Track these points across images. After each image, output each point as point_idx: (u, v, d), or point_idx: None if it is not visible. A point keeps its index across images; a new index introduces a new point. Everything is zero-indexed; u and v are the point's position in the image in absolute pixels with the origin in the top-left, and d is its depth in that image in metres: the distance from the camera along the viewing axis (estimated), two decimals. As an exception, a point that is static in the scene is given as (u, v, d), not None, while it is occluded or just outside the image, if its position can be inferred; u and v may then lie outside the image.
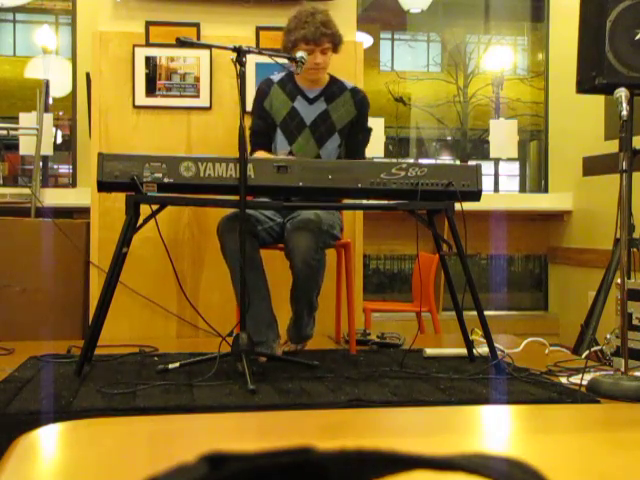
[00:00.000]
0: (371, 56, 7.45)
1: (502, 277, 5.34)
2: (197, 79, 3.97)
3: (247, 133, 2.81)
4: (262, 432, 0.95)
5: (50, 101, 4.89)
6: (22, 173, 5.44)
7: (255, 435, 0.94)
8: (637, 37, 3.47)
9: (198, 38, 3.94)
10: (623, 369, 2.61)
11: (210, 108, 3.99)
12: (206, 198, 3.02)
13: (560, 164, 5.28)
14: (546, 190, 5.41)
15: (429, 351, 3.24)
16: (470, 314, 3.02)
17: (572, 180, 5.06)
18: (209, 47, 3.81)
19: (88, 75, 4.09)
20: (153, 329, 3.87)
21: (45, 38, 4.84)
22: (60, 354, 3.16)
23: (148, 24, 3.96)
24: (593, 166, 4.78)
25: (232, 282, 3.07)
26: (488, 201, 4.28)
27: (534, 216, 5.24)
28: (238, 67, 2.75)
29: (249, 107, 3.54)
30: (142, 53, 3.94)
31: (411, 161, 3.12)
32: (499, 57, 6.13)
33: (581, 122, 4.90)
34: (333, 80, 3.39)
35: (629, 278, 3.35)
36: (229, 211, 3.10)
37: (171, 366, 2.81)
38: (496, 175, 5.94)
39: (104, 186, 2.80)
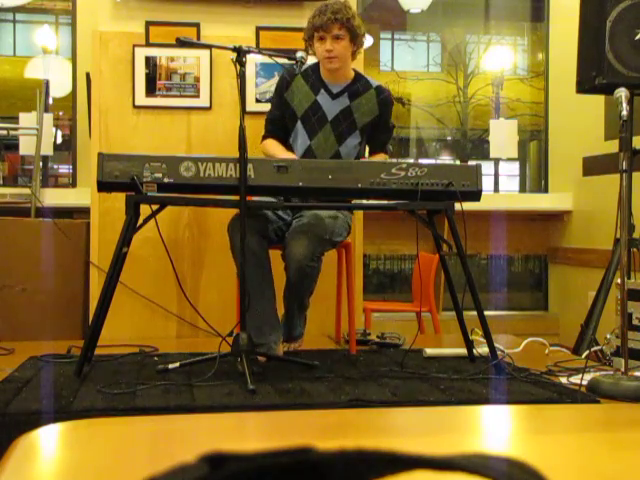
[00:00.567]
0: (371, 56, 7.45)
1: (502, 277, 5.34)
2: (197, 79, 3.97)
3: (247, 133, 2.79)
4: (262, 432, 0.95)
5: (50, 101, 4.89)
6: (22, 173, 5.43)
7: (255, 435, 0.94)
8: (637, 37, 3.47)
9: (198, 38, 3.94)
10: (623, 369, 2.61)
11: (210, 108, 3.99)
12: (206, 198, 3.02)
13: (560, 164, 5.28)
14: (546, 190, 5.41)
15: (429, 351, 3.24)
16: (470, 314, 3.02)
17: (572, 180, 5.06)
18: (209, 47, 3.81)
19: (88, 75, 4.09)
20: (153, 329, 3.87)
21: (45, 38, 4.84)
22: (60, 354, 3.16)
23: (148, 24, 3.96)
24: (593, 166, 4.78)
25: (238, 281, 3.03)
26: (488, 201, 4.27)
27: (534, 216, 5.23)
28: (238, 67, 2.75)
29: (249, 107, 3.54)
30: (142, 53, 3.94)
31: (411, 161, 3.12)
32: (499, 57, 6.13)
33: (581, 122, 4.90)
34: (358, 77, 3.36)
35: (629, 278, 3.35)
36: (230, 211, 3.10)
37: (171, 366, 2.81)
38: (496, 175, 5.94)
39: (104, 186, 2.80)
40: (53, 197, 4.45)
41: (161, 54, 3.95)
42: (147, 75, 3.94)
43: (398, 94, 7.64)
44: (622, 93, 2.70)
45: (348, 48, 3.22)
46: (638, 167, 3.59)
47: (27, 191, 4.28)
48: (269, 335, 3.05)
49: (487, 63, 7.20)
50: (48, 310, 3.89)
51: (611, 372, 2.78)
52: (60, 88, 5.12)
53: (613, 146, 3.95)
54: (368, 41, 5.98)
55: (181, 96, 3.97)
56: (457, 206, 2.92)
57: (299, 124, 3.30)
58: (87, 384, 2.64)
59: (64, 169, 5.89)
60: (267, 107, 3.53)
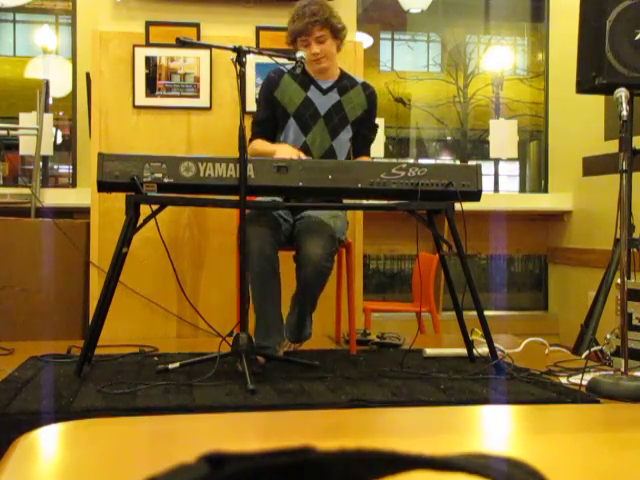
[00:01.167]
0: (371, 56, 7.44)
1: (502, 277, 5.34)
2: (197, 79, 3.97)
3: (247, 133, 2.80)
4: (262, 432, 0.95)
5: (50, 101, 4.89)
6: (22, 173, 5.43)
7: (255, 435, 0.94)
8: (637, 37, 3.47)
9: (198, 38, 3.94)
10: (623, 369, 2.61)
11: (210, 108, 3.99)
12: (206, 198, 3.02)
13: (560, 164, 5.28)
14: (546, 190, 5.41)
15: (429, 351, 3.24)
16: (470, 314, 3.02)
17: (572, 180, 5.06)
18: (209, 47, 3.81)
19: (88, 75, 4.09)
20: (153, 329, 3.87)
21: (45, 38, 4.84)
22: (60, 354, 3.16)
23: (148, 24, 3.96)
24: (593, 166, 4.78)
25: (251, 285, 2.96)
26: (488, 201, 4.27)
27: (534, 216, 5.23)
28: (238, 67, 2.75)
29: (249, 107, 3.54)
30: (142, 53, 3.94)
31: (411, 161, 3.12)
32: (499, 57, 6.13)
33: (581, 122, 4.90)
34: (344, 74, 3.40)
35: (629, 278, 3.35)
36: (229, 211, 3.10)
37: (171, 366, 2.81)
38: (496, 175, 5.94)
39: (104, 186, 2.80)
40: (53, 197, 4.45)
41: (161, 54, 3.95)
42: (147, 75, 3.94)
43: (398, 94, 7.64)
44: (622, 93, 2.70)
45: (332, 45, 3.25)
46: (638, 167, 3.59)
47: (27, 191, 4.28)
48: (275, 338, 3.04)
49: (487, 63, 7.20)
50: (48, 310, 3.89)
51: (611, 372, 2.78)
52: (60, 88, 5.12)
53: (613, 146, 3.95)
54: (368, 41, 5.99)
55: (181, 96, 3.97)
56: (457, 206, 2.92)
57: (292, 121, 3.30)
58: (87, 384, 2.64)
59: (64, 169, 5.89)
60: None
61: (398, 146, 8.14)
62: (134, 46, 3.93)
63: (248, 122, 3.29)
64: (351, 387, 2.63)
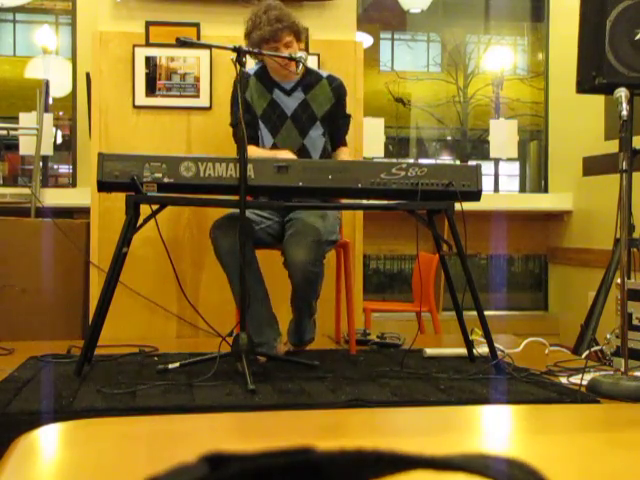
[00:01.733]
0: (371, 56, 7.44)
1: (502, 277, 5.34)
2: (197, 79, 3.97)
3: (247, 133, 2.80)
4: (262, 432, 0.95)
5: (50, 101, 4.89)
6: (22, 173, 5.44)
7: (255, 435, 0.94)
8: (637, 37, 3.47)
9: (198, 38, 3.94)
10: (623, 369, 2.61)
11: (210, 108, 3.99)
12: (206, 198, 3.02)
13: (560, 164, 5.28)
14: (546, 190, 5.41)
15: (429, 351, 3.24)
16: (470, 314, 3.02)
17: (572, 180, 5.06)
18: (209, 47, 3.81)
19: (88, 75, 4.09)
20: (153, 329, 3.87)
21: (45, 38, 4.84)
22: (60, 354, 3.16)
23: (148, 24, 3.96)
24: (593, 166, 4.78)
25: (229, 284, 3.07)
26: (488, 201, 4.28)
27: (534, 216, 5.23)
28: (238, 67, 2.75)
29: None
30: (142, 53, 3.94)
31: (411, 161, 3.12)
32: (499, 57, 6.13)
33: (581, 122, 4.90)
34: (308, 71, 3.36)
35: (629, 278, 3.35)
36: (229, 212, 3.10)
37: (171, 366, 2.81)
38: (496, 175, 5.94)
39: (104, 186, 2.80)
40: (53, 197, 4.45)
41: (161, 54, 3.95)
42: (147, 75, 3.94)
43: (398, 94, 7.64)
44: (622, 93, 2.70)
45: (297, 48, 3.24)
46: (638, 167, 3.59)
47: (27, 191, 4.28)
48: (268, 334, 3.07)
49: (487, 63, 7.20)
50: (48, 310, 3.89)
51: (611, 372, 2.78)
52: (60, 88, 5.12)
53: (613, 146, 3.95)
54: (368, 41, 5.98)
55: (181, 96, 3.97)
56: (457, 206, 2.92)
57: (260, 124, 3.31)
58: (87, 384, 2.64)
59: (64, 169, 5.89)
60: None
61: (398, 146, 8.14)
62: (134, 46, 3.93)
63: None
64: (351, 387, 2.63)
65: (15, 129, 4.62)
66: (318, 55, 4.00)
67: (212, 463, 0.38)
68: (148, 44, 3.96)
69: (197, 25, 3.98)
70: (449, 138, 8.48)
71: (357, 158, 3.92)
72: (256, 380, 2.56)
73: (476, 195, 2.97)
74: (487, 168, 6.03)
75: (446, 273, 3.13)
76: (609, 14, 3.46)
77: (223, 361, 2.73)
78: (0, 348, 3.34)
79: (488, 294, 5.18)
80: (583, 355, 3.27)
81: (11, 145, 5.13)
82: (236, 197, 2.79)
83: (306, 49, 3.33)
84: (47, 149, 4.57)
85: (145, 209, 2.80)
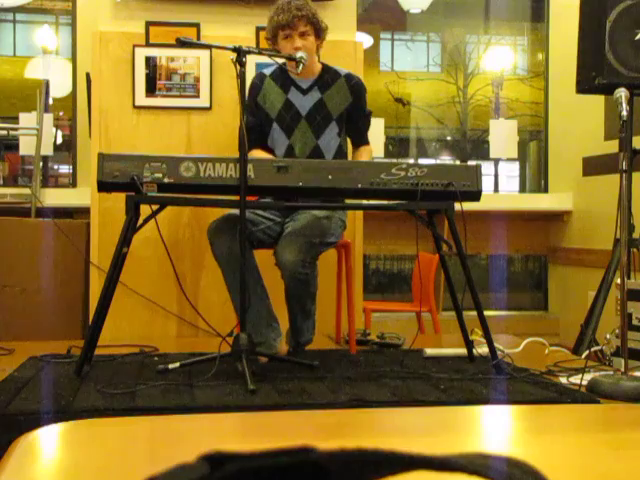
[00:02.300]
0: (371, 56, 7.44)
1: (502, 277, 5.34)
2: (197, 79, 3.97)
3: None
4: (262, 432, 0.95)
5: (50, 101, 4.89)
6: (22, 173, 5.44)
7: (255, 435, 0.94)
8: (637, 37, 3.47)
9: (198, 38, 3.94)
10: (623, 369, 2.61)
11: (210, 108, 3.99)
12: (206, 198, 3.02)
13: (560, 164, 5.28)
14: (546, 190, 5.41)
15: (429, 351, 3.24)
16: (470, 314, 3.02)
17: (572, 180, 5.06)
18: (209, 47, 3.80)
19: (88, 75, 4.09)
20: (153, 329, 3.87)
21: (45, 38, 4.84)
22: (60, 354, 3.16)
23: (148, 24, 3.96)
24: (593, 166, 4.78)
25: (226, 284, 3.07)
26: (488, 201, 4.27)
27: (534, 216, 5.23)
28: (238, 67, 2.75)
29: (249, 107, 3.53)
30: (142, 53, 3.94)
31: (411, 161, 3.12)
32: (499, 57, 6.13)
33: (581, 122, 4.90)
34: (326, 68, 3.35)
35: (629, 278, 3.35)
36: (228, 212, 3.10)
37: (171, 366, 2.81)
38: (496, 175, 5.94)
39: (104, 186, 2.80)
40: (53, 197, 4.45)
41: (161, 54, 3.95)
42: (147, 75, 3.94)
43: (398, 94, 7.64)
44: (622, 93, 2.70)
45: (314, 43, 3.23)
46: (638, 167, 3.59)
47: (27, 191, 4.28)
48: (266, 333, 3.06)
49: (487, 63, 7.20)
50: (48, 310, 3.89)
51: (611, 372, 2.78)
52: (60, 88, 5.12)
53: (613, 146, 3.95)
54: (368, 41, 5.98)
55: (181, 96, 3.97)
56: (457, 206, 2.92)
57: (275, 125, 3.30)
58: (87, 384, 2.64)
59: (64, 169, 5.89)
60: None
61: (398, 146, 8.14)
62: (134, 46, 3.93)
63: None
64: (351, 387, 2.63)
65: (15, 129, 4.62)
66: (318, 55, 3.99)
67: (212, 463, 0.38)
68: (148, 44, 3.96)
69: (197, 25, 3.98)
70: (449, 138, 8.48)
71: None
72: (256, 380, 2.57)
73: (476, 195, 2.97)
74: (487, 168, 6.04)
75: (446, 273, 3.13)
76: (609, 14, 3.46)
77: (223, 361, 2.73)
78: (0, 348, 3.34)
79: (488, 294, 5.18)
80: (583, 355, 3.27)
81: (11, 145, 5.13)
82: (236, 197, 2.79)
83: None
84: (47, 149, 4.57)
85: (145, 209, 2.80)
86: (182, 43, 2.86)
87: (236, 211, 3.00)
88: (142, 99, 3.94)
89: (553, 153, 5.38)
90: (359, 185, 2.87)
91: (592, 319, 3.58)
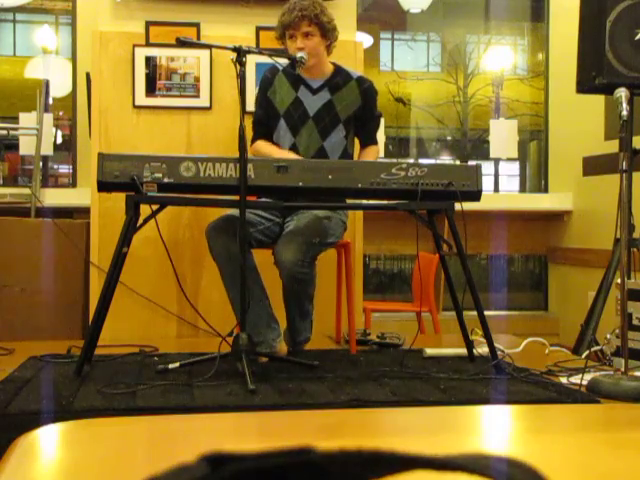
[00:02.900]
0: (371, 56, 7.44)
1: (502, 277, 5.34)
2: (197, 79, 3.97)
3: (248, 133, 2.80)
4: (262, 432, 0.95)
5: (50, 101, 4.89)
6: (22, 173, 5.44)
7: (255, 435, 0.93)
8: (637, 37, 3.47)
9: (198, 38, 3.94)
10: (623, 369, 2.61)
11: (210, 108, 3.99)
12: (206, 198, 3.02)
13: (560, 164, 5.28)
14: (546, 190, 5.41)
15: (429, 351, 3.24)
16: (470, 314, 3.02)
17: (572, 180, 5.06)
18: (209, 47, 3.81)
19: (88, 75, 4.09)
20: (153, 329, 3.87)
21: (45, 38, 4.84)
22: (60, 354, 3.16)
23: (148, 24, 3.96)
24: (593, 166, 4.78)
25: (224, 285, 3.07)
26: (488, 201, 4.27)
27: (534, 216, 5.23)
28: (238, 67, 2.75)
29: (249, 107, 3.53)
30: (142, 53, 3.94)
31: (411, 161, 3.12)
32: (499, 57, 6.13)
33: (581, 122, 4.90)
34: (338, 70, 3.35)
35: (629, 278, 3.35)
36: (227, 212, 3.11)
37: (171, 366, 2.81)
38: (496, 175, 5.94)
39: (104, 186, 2.80)
40: (53, 197, 4.45)
41: (161, 54, 3.95)
42: (147, 75, 3.94)
43: (398, 94, 7.64)
44: (622, 93, 2.70)
45: (320, 43, 3.22)
46: (638, 167, 3.59)
47: (27, 191, 4.28)
48: (265, 333, 3.06)
49: (487, 63, 7.20)
50: (48, 310, 3.89)
51: (611, 372, 2.78)
52: (60, 88, 5.12)
53: (613, 146, 3.95)
54: (368, 41, 5.98)
55: (181, 96, 3.97)
56: (457, 206, 2.92)
57: (282, 122, 3.30)
58: (87, 384, 2.64)
59: (64, 169, 5.89)
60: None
61: (398, 146, 8.14)
62: (134, 46, 3.93)
63: (248, 122, 3.29)
64: (351, 387, 2.63)
65: (15, 129, 4.62)
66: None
67: (212, 463, 0.38)
68: (148, 44, 3.96)
69: (197, 25, 3.98)
70: (449, 138, 8.49)
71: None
72: (256, 380, 2.57)
73: (476, 195, 2.97)
74: (487, 168, 6.04)
75: (446, 273, 3.13)
76: (609, 14, 3.46)
77: (223, 361, 2.73)
78: (0, 348, 3.34)
79: (488, 294, 5.18)
80: (583, 355, 3.27)
81: (11, 145, 5.13)
82: (236, 197, 2.79)
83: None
84: (47, 149, 4.56)
85: (145, 209, 2.80)
86: (182, 43, 2.86)
87: (234, 211, 3.01)
88: (142, 99, 3.94)
89: (553, 153, 5.38)
90: (359, 185, 2.87)
91: (592, 319, 3.58)
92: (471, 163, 3.45)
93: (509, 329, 4.46)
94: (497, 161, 5.68)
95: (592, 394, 2.57)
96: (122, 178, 2.75)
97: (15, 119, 4.67)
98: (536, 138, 6.34)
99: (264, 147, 3.30)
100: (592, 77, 3.50)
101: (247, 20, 4.04)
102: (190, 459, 0.39)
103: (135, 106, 3.94)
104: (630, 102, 2.73)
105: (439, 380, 2.76)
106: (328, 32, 3.22)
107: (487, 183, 5.74)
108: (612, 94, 2.77)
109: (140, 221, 2.81)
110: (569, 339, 4.15)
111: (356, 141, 3.50)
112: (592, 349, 3.33)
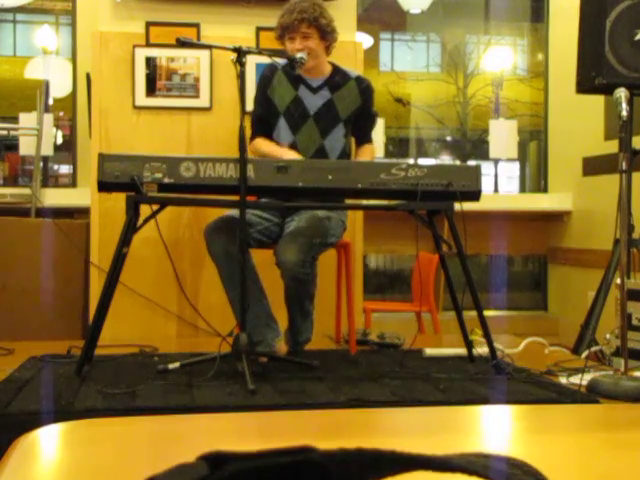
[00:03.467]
0: (371, 56, 7.44)
1: (502, 277, 5.34)
2: (197, 79, 3.97)
3: (247, 133, 2.80)
4: (262, 432, 0.95)
5: (50, 101, 4.89)
6: (22, 173, 5.44)
7: (255, 435, 0.94)
8: (637, 37, 3.47)
9: (198, 38, 3.94)
10: (623, 369, 2.61)
11: (210, 108, 3.99)
12: (206, 198, 3.02)
13: (560, 164, 5.28)
14: (546, 190, 5.41)
15: (429, 351, 3.24)
16: (470, 314, 3.02)
17: (572, 180, 5.06)
18: (209, 47, 3.81)
19: (88, 75, 4.09)
20: (153, 329, 3.87)
21: (45, 38, 4.84)
22: (60, 354, 3.16)
23: (148, 24, 3.96)
24: (593, 166, 4.78)
25: (223, 285, 3.07)
26: (488, 201, 4.28)
27: (534, 216, 5.24)
28: (238, 67, 2.75)
29: (249, 107, 3.54)
30: (142, 53, 3.94)
31: (411, 161, 3.12)
32: (499, 57, 6.13)
33: (581, 122, 4.90)
34: (336, 70, 3.36)
35: (629, 278, 3.35)
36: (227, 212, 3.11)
37: (171, 366, 2.81)
38: (496, 175, 5.94)
39: (104, 186, 2.80)
40: (53, 197, 4.45)
41: (161, 54, 3.95)
42: (147, 75, 3.94)
43: (398, 94, 7.64)
44: (622, 93, 2.70)
45: (319, 45, 3.23)
46: (638, 167, 3.59)
47: (27, 191, 4.28)
48: (265, 333, 3.07)
49: (487, 63, 7.20)
50: (48, 310, 3.89)
51: (611, 372, 2.78)
52: (60, 88, 5.12)
53: (613, 146, 3.95)
54: (368, 41, 5.98)
55: (181, 96, 3.97)
56: (457, 206, 2.92)
57: (282, 120, 3.30)
58: (87, 384, 2.64)
59: (64, 169, 5.89)
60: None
61: (398, 146, 8.14)
62: (134, 46, 3.93)
63: (248, 122, 3.29)
64: (351, 387, 2.63)
65: (15, 129, 4.62)
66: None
67: (212, 463, 0.38)
68: (148, 44, 3.96)
69: (197, 25, 3.98)
70: (449, 138, 8.49)
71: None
72: (256, 380, 2.57)
73: (476, 195, 2.97)
74: (487, 168, 6.04)
75: (446, 273, 3.13)
76: (609, 14, 3.46)
77: (223, 361, 2.73)
78: (0, 348, 3.34)
79: (488, 294, 5.18)
80: (583, 355, 3.27)
81: (11, 145, 5.13)
82: (236, 197, 2.79)
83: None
84: (47, 149, 4.57)
85: (145, 209, 2.80)
86: (182, 43, 2.86)
87: (232, 212, 3.01)
88: (142, 99, 3.94)
89: (553, 153, 5.38)
90: (359, 185, 2.87)
91: (592, 319, 3.58)
92: (471, 163, 3.45)
93: (509, 329, 4.46)
94: (497, 161, 5.68)
95: (592, 394, 2.57)
96: (122, 178, 2.75)
97: (15, 119, 4.67)
98: (536, 138, 6.34)
99: (263, 145, 3.30)
100: (592, 77, 3.50)
101: (247, 20, 4.04)
102: (190, 459, 0.39)
103: (135, 106, 3.94)
104: (630, 102, 2.73)
105: (439, 380, 2.76)
106: (327, 34, 3.23)
107: (487, 183, 5.73)
108: (612, 94, 2.77)
109: (140, 221, 2.81)
110: (569, 339, 4.15)
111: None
112: (592, 349, 3.33)
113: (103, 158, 2.77)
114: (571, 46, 3.81)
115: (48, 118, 4.50)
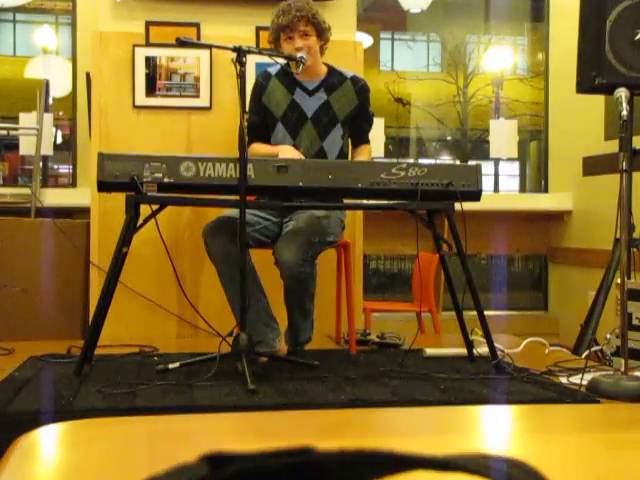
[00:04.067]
0: (371, 56, 7.44)
1: (502, 277, 5.34)
2: (197, 79, 3.97)
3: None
4: (262, 432, 0.95)
5: (50, 101, 4.89)
6: (22, 173, 5.44)
7: (255, 435, 0.94)
8: (637, 37, 3.47)
9: (198, 38, 3.94)
10: (623, 369, 2.61)
11: (210, 108, 3.99)
12: (206, 198, 3.02)
13: (560, 164, 5.28)
14: (546, 190, 5.41)
15: (429, 351, 3.24)
16: (470, 314, 3.02)
17: (572, 180, 5.06)
18: (209, 47, 3.80)
19: (88, 75, 4.09)
20: (153, 329, 3.87)
21: (45, 38, 4.84)
22: (60, 354, 3.16)
23: (148, 24, 3.96)
24: (593, 166, 4.78)
25: (222, 286, 3.07)
26: (488, 201, 4.27)
27: (534, 216, 5.23)
28: (238, 67, 2.75)
29: (249, 107, 3.53)
30: (142, 53, 3.94)
31: (411, 161, 3.12)
32: (499, 57, 6.13)
33: (581, 122, 4.90)
34: (331, 71, 3.36)
35: (629, 278, 3.35)
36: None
37: (171, 366, 2.81)
38: (496, 175, 5.94)
39: (104, 186, 2.80)
40: (53, 197, 4.45)
41: (161, 54, 3.95)
42: (147, 75, 3.94)
43: (398, 94, 7.64)
44: (622, 93, 2.70)
45: (316, 44, 3.23)
46: (638, 167, 3.58)
47: (27, 191, 4.28)
48: (264, 333, 3.06)
49: (487, 63, 7.20)
50: (48, 310, 3.89)
51: (611, 372, 2.78)
52: (60, 88, 5.12)
53: (613, 146, 3.95)
54: (368, 41, 5.98)
55: (181, 96, 3.97)
56: (457, 206, 2.92)
57: (279, 125, 3.30)
58: (87, 384, 2.64)
59: (64, 169, 5.89)
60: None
61: (398, 146, 8.14)
62: (134, 46, 3.93)
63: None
64: (351, 387, 2.63)
65: (15, 129, 4.61)
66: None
67: (212, 463, 0.38)
68: (148, 44, 3.96)
69: (197, 25, 3.98)
70: (449, 138, 8.49)
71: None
72: (256, 380, 2.56)
73: (476, 195, 2.97)
74: (487, 168, 6.04)
75: (446, 273, 3.13)
76: (609, 14, 3.46)
77: (223, 361, 2.73)
78: (0, 348, 3.34)
79: (488, 294, 5.18)
80: (583, 355, 3.27)
81: (11, 145, 5.13)
82: (236, 197, 2.79)
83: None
84: (47, 149, 4.56)
85: (145, 209, 2.80)
86: (182, 43, 2.86)
87: (231, 212, 3.01)
88: (142, 99, 3.94)
89: (553, 153, 5.38)
90: (359, 185, 2.87)
91: (592, 319, 3.58)
92: (471, 163, 3.45)
93: (509, 329, 4.46)
94: (497, 161, 5.68)
95: (592, 394, 2.56)
96: (122, 178, 2.75)
97: (15, 119, 4.67)
98: (536, 138, 6.34)
99: (259, 148, 3.30)
100: (592, 77, 3.50)
101: (247, 20, 4.04)
102: (190, 459, 0.39)
103: (135, 106, 3.94)
104: (630, 102, 2.73)
105: (439, 380, 2.76)
106: (323, 32, 3.24)
107: (487, 183, 5.75)
108: (612, 94, 2.77)
109: (140, 221, 2.81)
110: (569, 339, 4.15)
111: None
112: (592, 349, 3.32)
113: (103, 158, 2.77)
114: (571, 46, 3.81)
115: (48, 118, 4.50)
